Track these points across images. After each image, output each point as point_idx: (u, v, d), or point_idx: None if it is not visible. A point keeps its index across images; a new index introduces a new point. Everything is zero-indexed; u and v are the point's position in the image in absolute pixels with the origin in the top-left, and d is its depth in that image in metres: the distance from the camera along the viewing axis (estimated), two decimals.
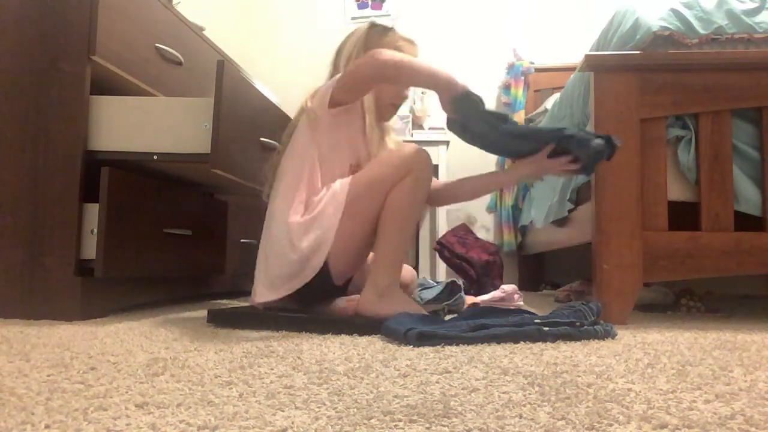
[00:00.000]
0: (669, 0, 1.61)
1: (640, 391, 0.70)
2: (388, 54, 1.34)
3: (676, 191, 1.56)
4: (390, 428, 0.55)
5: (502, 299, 2.15)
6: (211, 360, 0.88)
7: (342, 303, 1.39)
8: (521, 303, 2.19)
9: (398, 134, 3.39)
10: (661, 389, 0.72)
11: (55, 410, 0.59)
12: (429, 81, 1.34)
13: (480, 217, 3.59)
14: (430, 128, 3.52)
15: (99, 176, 1.39)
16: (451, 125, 1.39)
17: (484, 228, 3.57)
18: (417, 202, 1.37)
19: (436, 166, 3.11)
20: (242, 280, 2.37)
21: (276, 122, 1.79)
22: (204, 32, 2.07)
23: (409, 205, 1.35)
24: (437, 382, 0.74)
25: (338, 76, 1.43)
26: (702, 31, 1.57)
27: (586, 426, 0.56)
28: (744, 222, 1.53)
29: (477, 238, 2.73)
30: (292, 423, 0.55)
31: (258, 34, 3.94)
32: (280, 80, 3.77)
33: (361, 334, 1.20)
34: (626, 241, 1.50)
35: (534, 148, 1.44)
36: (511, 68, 3.56)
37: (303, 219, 1.34)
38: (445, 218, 3.22)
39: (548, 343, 1.11)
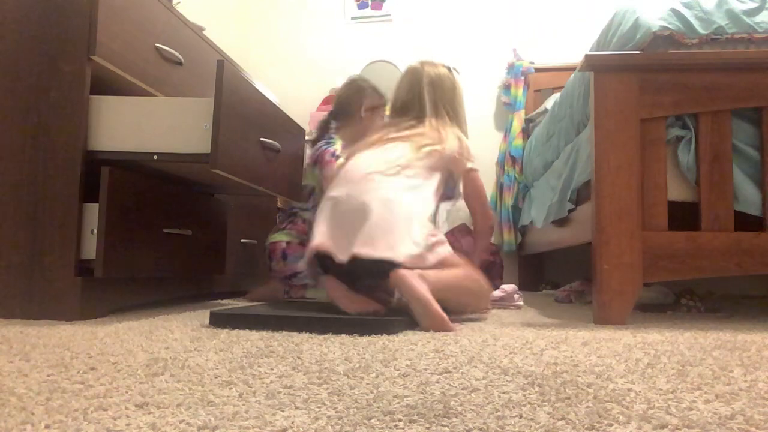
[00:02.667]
0: (669, 0, 1.61)
1: (640, 391, 0.70)
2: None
3: (676, 191, 1.56)
4: (390, 428, 0.55)
5: (501, 299, 2.16)
6: (211, 360, 0.88)
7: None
8: (521, 303, 2.19)
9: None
10: (661, 389, 0.72)
11: (55, 410, 0.59)
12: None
13: None
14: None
15: (99, 176, 1.39)
16: None
17: None
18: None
19: None
20: (242, 280, 2.36)
21: (276, 122, 1.79)
22: (204, 32, 2.07)
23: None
24: (437, 382, 0.74)
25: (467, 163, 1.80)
26: (702, 31, 1.57)
27: (586, 426, 0.56)
28: (744, 222, 1.53)
29: None
30: (292, 423, 0.55)
31: (258, 34, 3.94)
32: (280, 80, 3.77)
33: (361, 334, 1.20)
34: (626, 241, 1.50)
35: None
36: (511, 68, 3.56)
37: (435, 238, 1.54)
38: (445, 218, 3.23)
39: (548, 343, 1.11)
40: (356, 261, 1.43)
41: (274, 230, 2.33)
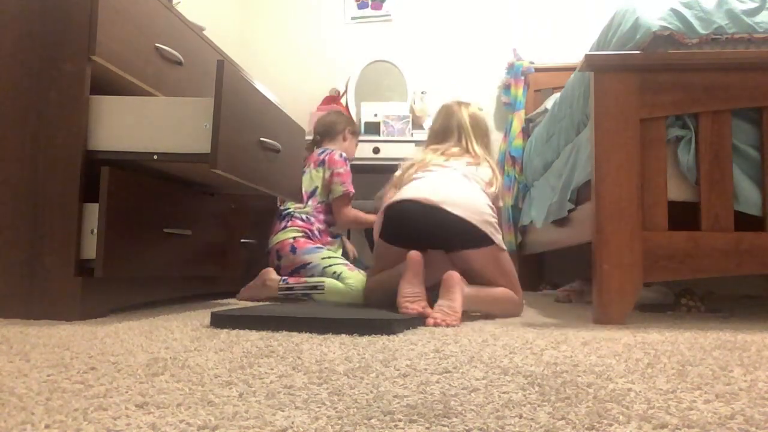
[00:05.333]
0: (669, 0, 1.61)
1: (640, 391, 0.70)
2: None
3: (676, 191, 1.56)
4: (390, 428, 0.55)
5: None
6: (211, 360, 0.88)
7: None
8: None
9: (399, 134, 3.40)
10: (661, 389, 0.72)
11: (55, 410, 0.59)
12: None
13: None
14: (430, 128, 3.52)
15: (99, 176, 1.39)
16: None
17: None
18: None
19: None
20: (242, 280, 2.36)
21: (276, 122, 1.79)
22: (204, 32, 2.07)
23: None
24: (437, 382, 0.74)
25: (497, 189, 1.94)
26: (702, 31, 1.57)
27: (586, 426, 0.56)
28: (744, 222, 1.53)
29: None
30: (292, 423, 0.55)
31: (258, 34, 3.94)
32: (280, 80, 3.77)
33: (362, 334, 1.20)
34: (626, 241, 1.50)
35: None
36: (511, 68, 3.56)
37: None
38: None
39: (548, 343, 1.11)
40: (434, 216, 1.67)
41: (274, 232, 2.40)
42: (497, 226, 1.77)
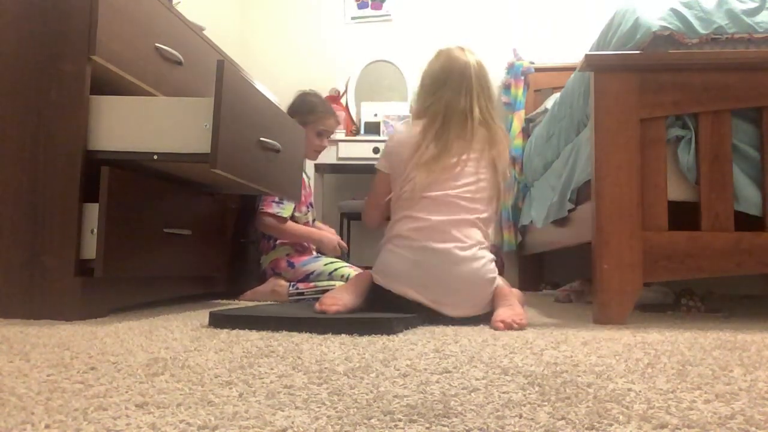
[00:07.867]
0: (669, 0, 1.61)
1: (640, 391, 0.70)
2: None
3: (676, 191, 1.56)
4: (390, 428, 0.55)
5: None
6: (211, 360, 0.88)
7: None
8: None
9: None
10: (661, 389, 0.72)
11: (55, 410, 0.59)
12: None
13: None
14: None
15: (99, 176, 1.39)
16: None
17: None
18: None
19: None
20: (242, 280, 2.36)
21: (276, 122, 1.79)
22: (204, 32, 2.07)
23: None
24: (437, 382, 0.74)
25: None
26: (702, 31, 1.57)
27: (586, 426, 0.56)
28: (744, 222, 1.53)
29: None
30: (292, 423, 0.55)
31: (258, 34, 3.94)
32: (280, 80, 3.77)
33: (361, 334, 1.20)
34: (626, 241, 1.50)
35: None
36: (511, 68, 3.56)
37: None
38: None
39: (548, 343, 1.11)
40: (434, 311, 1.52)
41: (265, 251, 2.39)
42: (495, 272, 1.56)
